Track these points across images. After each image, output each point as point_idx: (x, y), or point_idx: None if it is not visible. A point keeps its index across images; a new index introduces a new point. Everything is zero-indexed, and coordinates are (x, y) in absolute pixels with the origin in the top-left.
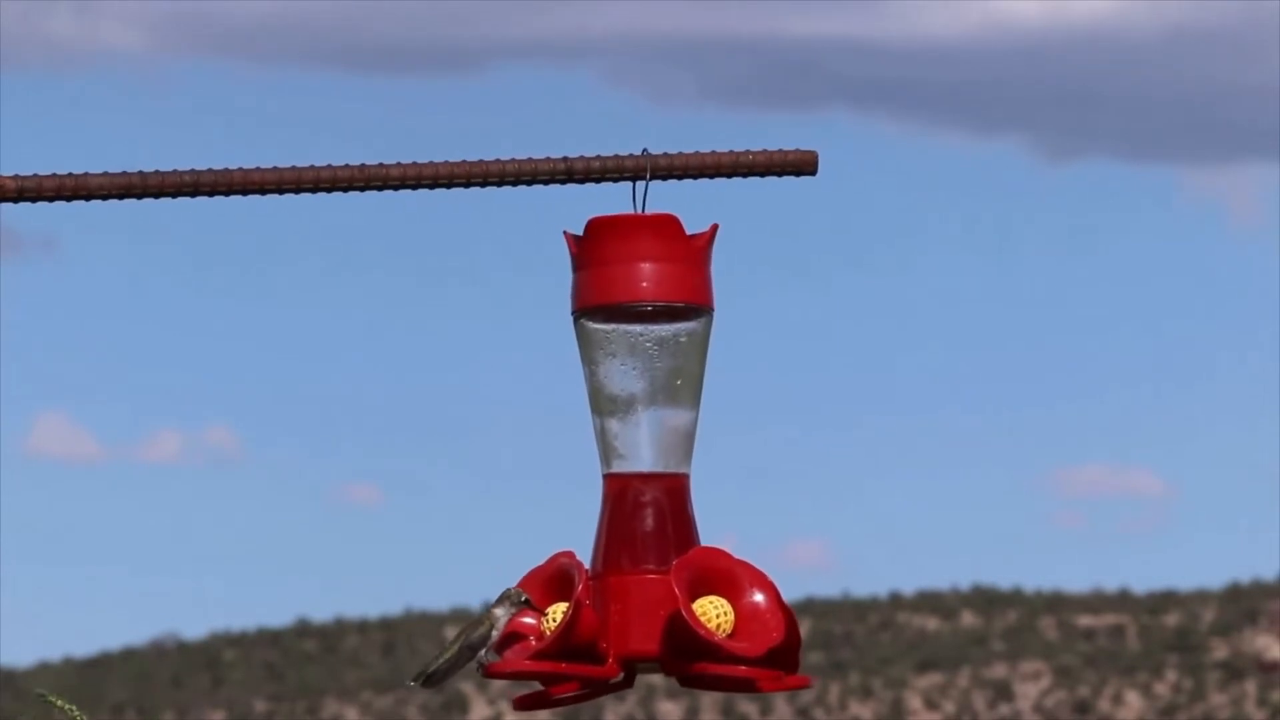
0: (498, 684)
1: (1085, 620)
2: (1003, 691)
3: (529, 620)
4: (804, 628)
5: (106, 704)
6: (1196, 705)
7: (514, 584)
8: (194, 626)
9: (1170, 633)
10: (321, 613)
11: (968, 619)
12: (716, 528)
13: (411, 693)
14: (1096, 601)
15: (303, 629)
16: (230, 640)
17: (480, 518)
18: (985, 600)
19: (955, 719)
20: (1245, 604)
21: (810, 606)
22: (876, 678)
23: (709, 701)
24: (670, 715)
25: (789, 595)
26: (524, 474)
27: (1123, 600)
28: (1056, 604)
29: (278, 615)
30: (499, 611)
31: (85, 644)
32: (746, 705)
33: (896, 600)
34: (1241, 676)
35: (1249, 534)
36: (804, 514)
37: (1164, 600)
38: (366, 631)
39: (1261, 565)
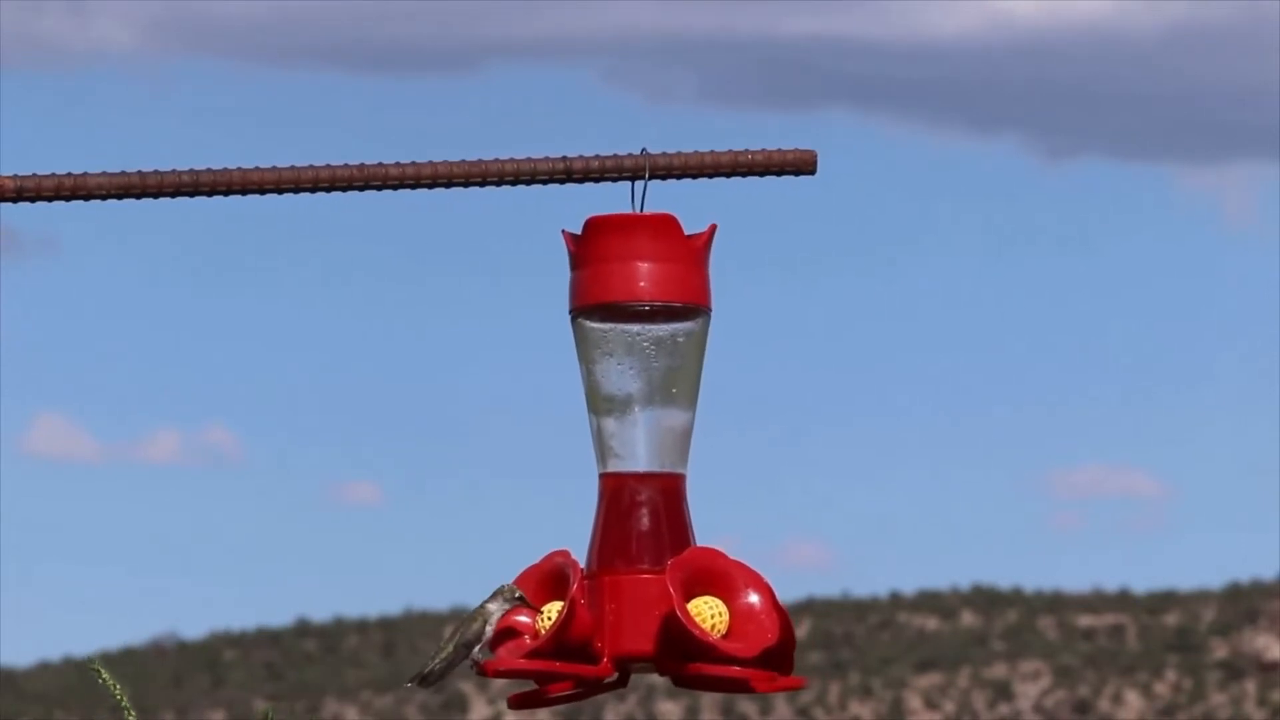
0: (497, 683)
1: (1085, 620)
2: (1003, 691)
3: (523, 618)
4: (804, 628)
5: (106, 704)
6: (1196, 705)
7: (510, 581)
8: (194, 626)
9: (1170, 633)
10: (321, 613)
11: (968, 619)
12: (717, 528)
13: (411, 692)
14: (1096, 601)
15: (303, 629)
16: (230, 640)
17: (481, 517)
18: (985, 600)
19: (955, 719)
20: (1245, 604)
21: (810, 606)
22: (876, 678)
23: (709, 701)
24: (670, 715)
25: (789, 595)
26: (525, 473)
27: (1123, 600)
28: (1056, 604)
29: (278, 615)
30: (492, 607)
31: (85, 644)
32: (746, 705)
33: (896, 600)
34: (1241, 676)
35: (1249, 534)
36: (804, 514)
37: (1164, 600)
38: (366, 631)
39: (1261, 565)
